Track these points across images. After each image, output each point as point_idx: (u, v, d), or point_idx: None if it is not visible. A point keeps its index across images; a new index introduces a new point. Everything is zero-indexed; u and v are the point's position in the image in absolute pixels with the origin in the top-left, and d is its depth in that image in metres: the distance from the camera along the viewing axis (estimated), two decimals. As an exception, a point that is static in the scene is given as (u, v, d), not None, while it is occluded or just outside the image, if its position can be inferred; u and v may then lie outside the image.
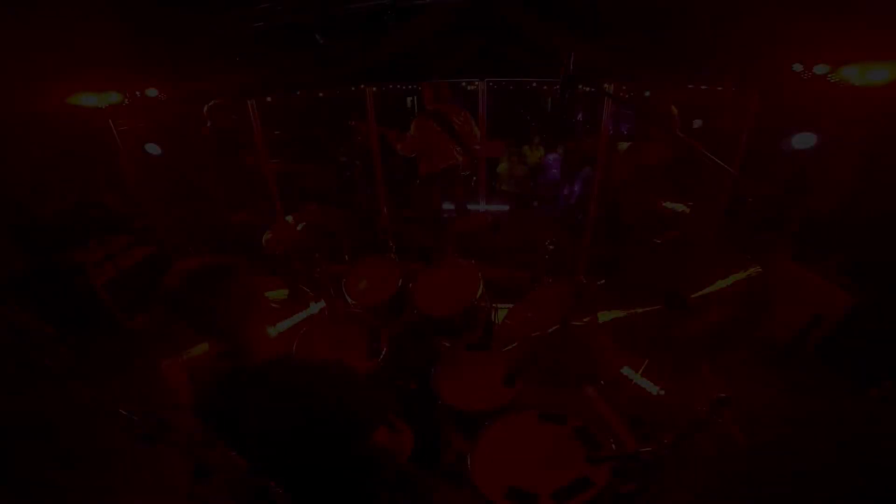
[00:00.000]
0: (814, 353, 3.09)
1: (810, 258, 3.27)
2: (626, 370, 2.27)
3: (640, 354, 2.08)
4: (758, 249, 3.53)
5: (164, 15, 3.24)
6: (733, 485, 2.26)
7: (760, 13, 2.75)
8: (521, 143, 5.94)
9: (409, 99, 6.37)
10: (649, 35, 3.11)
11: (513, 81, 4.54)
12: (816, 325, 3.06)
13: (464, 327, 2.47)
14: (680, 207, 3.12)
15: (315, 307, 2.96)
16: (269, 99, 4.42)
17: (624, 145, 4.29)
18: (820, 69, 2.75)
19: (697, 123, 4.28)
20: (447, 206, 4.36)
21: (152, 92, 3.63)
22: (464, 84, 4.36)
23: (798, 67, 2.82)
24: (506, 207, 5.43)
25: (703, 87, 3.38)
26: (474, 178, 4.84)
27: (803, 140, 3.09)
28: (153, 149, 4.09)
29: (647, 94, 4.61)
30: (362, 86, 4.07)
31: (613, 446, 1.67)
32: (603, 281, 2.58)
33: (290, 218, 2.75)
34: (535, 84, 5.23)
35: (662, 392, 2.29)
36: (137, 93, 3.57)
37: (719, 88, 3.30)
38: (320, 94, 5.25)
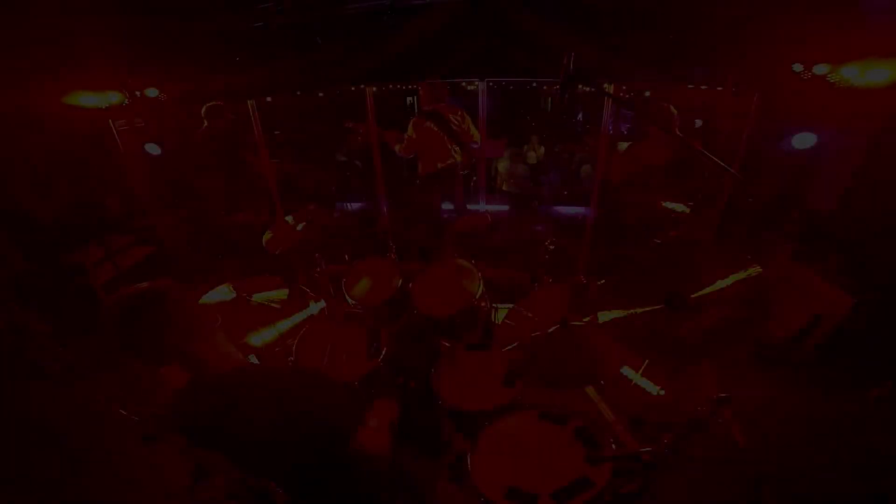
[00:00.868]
0: (814, 353, 3.09)
1: (810, 258, 3.27)
2: (626, 370, 2.27)
3: (640, 354, 2.08)
4: (758, 249, 3.54)
5: (164, 15, 3.24)
6: (733, 485, 2.26)
7: (760, 13, 2.75)
8: (521, 142, 5.95)
9: (408, 98, 6.38)
10: (649, 35, 3.11)
11: (513, 81, 4.54)
12: (816, 325, 3.06)
13: (464, 327, 2.46)
14: (680, 207, 3.11)
15: (315, 307, 2.96)
16: (268, 99, 4.42)
17: (624, 145, 4.30)
18: (820, 69, 2.75)
19: (698, 123, 4.29)
20: (447, 206, 4.37)
21: (152, 92, 3.63)
22: (464, 84, 4.36)
23: (798, 67, 2.82)
24: (506, 207, 5.44)
25: (703, 87, 3.39)
26: (474, 177, 4.84)
27: (803, 140, 3.09)
28: (153, 149, 4.10)
29: (647, 94, 4.62)
30: (362, 86, 4.07)
31: (613, 446, 1.67)
32: (603, 281, 2.57)
33: (290, 218, 2.75)
34: (535, 84, 5.24)
35: (662, 392, 2.29)
36: (137, 93, 3.57)
37: (719, 88, 3.30)
38: (320, 94, 5.26)
